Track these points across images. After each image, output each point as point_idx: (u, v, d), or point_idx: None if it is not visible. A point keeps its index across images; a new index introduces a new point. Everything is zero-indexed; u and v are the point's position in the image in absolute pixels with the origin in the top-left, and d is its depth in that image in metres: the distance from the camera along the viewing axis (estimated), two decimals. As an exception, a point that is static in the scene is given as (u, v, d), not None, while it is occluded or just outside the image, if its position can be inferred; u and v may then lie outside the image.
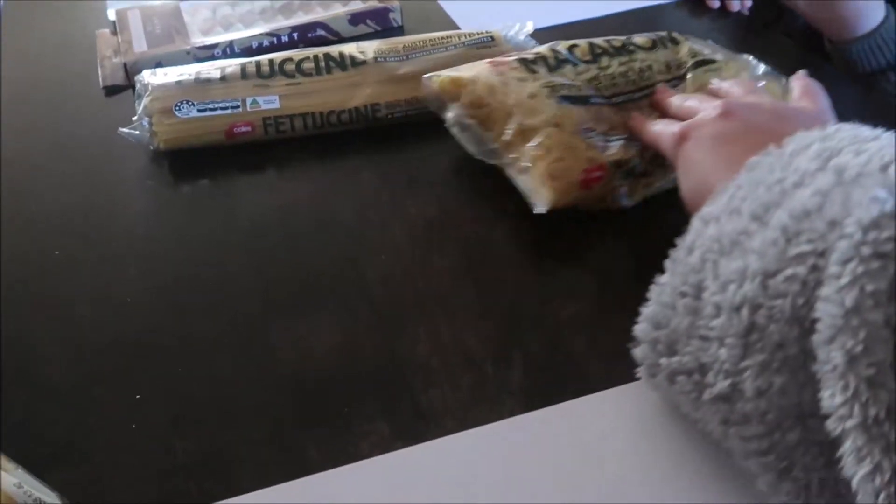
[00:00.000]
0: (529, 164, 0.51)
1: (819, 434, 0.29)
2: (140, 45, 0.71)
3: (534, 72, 0.55)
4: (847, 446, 0.25)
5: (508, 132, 0.52)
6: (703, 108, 0.46)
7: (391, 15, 0.76)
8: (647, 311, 0.36)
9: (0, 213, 0.57)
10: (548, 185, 0.49)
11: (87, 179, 0.61)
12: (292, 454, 0.40)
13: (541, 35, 0.68)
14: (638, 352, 0.37)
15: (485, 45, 0.65)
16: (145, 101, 0.60)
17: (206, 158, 0.61)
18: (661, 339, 0.35)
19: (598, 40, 0.59)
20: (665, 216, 0.52)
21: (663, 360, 0.35)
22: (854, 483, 0.25)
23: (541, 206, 0.50)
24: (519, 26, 0.68)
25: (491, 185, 0.56)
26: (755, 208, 0.33)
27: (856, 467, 0.25)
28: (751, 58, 0.59)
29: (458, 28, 0.75)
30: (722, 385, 0.32)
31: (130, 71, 0.69)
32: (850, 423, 0.25)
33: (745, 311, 0.30)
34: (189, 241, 0.54)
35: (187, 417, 0.42)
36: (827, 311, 0.26)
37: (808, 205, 0.30)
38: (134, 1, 0.82)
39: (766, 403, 0.30)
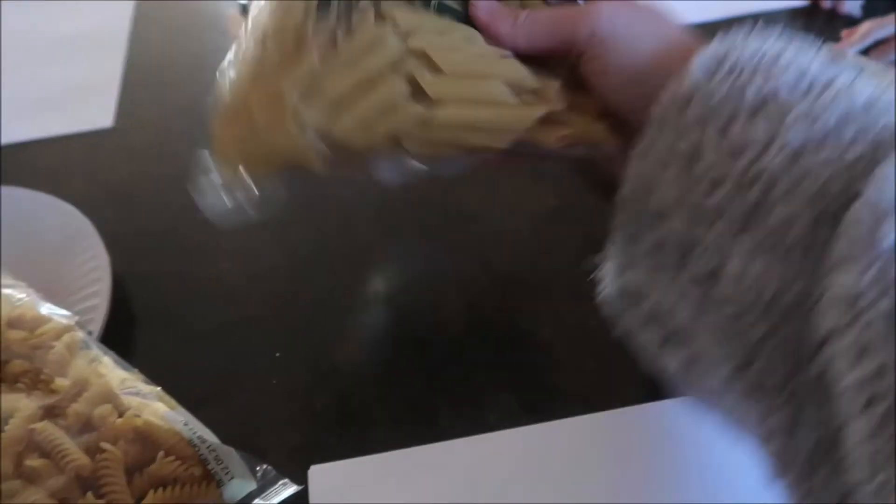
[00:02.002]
0: None
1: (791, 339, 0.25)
2: (272, 28, 0.75)
3: None
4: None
5: None
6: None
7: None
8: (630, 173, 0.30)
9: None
10: None
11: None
12: (424, 416, 0.42)
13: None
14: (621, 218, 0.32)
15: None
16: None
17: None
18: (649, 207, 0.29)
19: None
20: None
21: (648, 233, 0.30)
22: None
23: None
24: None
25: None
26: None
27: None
28: None
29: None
30: (706, 263, 0.27)
31: (263, 51, 0.72)
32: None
33: (756, 188, 0.26)
34: (321, 212, 0.57)
35: (324, 375, 0.45)
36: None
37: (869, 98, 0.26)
38: (262, -14, 0.86)
39: (743, 288, 0.26)
